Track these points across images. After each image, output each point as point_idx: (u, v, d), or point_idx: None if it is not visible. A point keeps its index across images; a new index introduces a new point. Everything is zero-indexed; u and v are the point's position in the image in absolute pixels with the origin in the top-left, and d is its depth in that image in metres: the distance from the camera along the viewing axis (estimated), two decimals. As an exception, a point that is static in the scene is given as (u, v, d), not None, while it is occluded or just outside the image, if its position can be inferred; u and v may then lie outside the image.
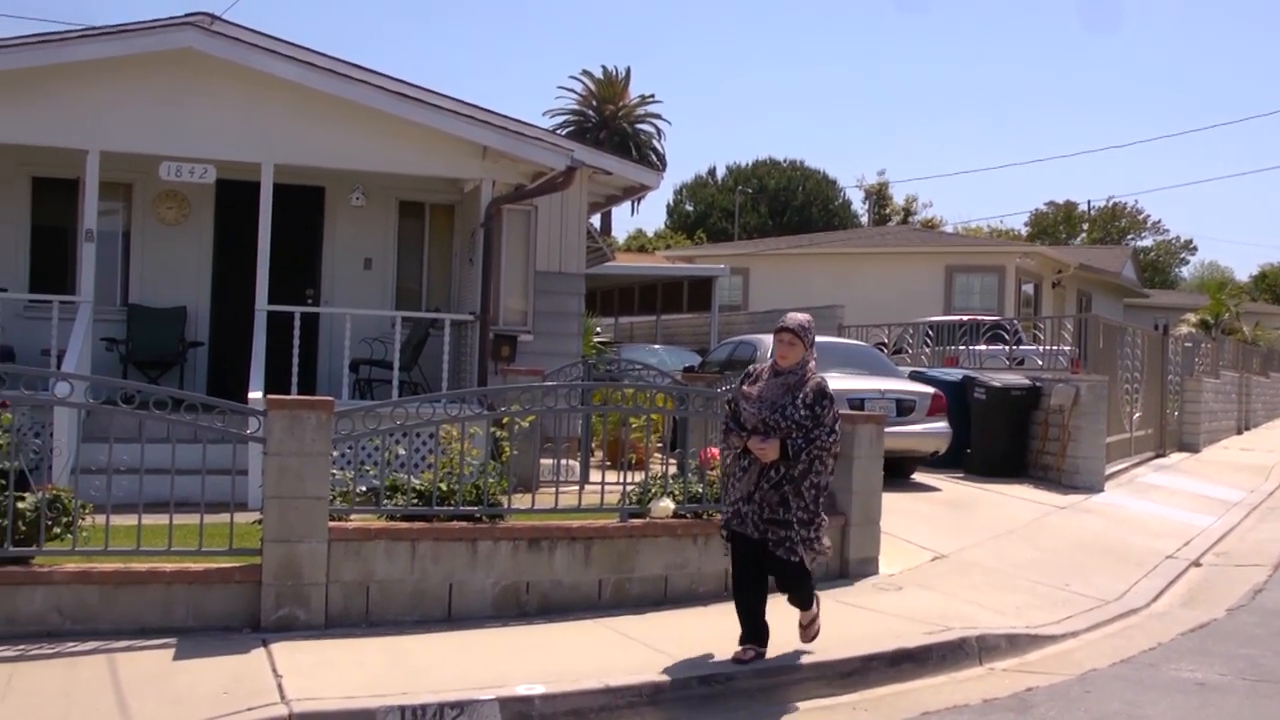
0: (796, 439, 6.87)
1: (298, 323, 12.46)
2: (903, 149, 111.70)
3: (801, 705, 6.98)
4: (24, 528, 7.31)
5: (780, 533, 6.97)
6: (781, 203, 66.89)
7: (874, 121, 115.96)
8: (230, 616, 7.56)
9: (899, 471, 14.73)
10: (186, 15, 14.02)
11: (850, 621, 8.35)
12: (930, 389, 15.44)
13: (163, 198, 14.48)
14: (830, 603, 8.97)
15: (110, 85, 12.18)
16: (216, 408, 8.29)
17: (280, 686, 6.46)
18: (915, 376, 16.95)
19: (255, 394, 11.11)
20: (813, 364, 7.07)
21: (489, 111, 14.63)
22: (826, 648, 7.56)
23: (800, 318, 7.13)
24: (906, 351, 22.94)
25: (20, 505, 7.30)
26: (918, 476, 15.57)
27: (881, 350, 20.29)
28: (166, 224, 14.56)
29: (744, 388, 7.11)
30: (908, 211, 70.16)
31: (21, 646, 7.00)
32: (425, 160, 13.32)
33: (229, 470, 8.19)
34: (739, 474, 7.06)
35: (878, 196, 68.80)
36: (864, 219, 67.23)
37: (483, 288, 13.37)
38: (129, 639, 7.21)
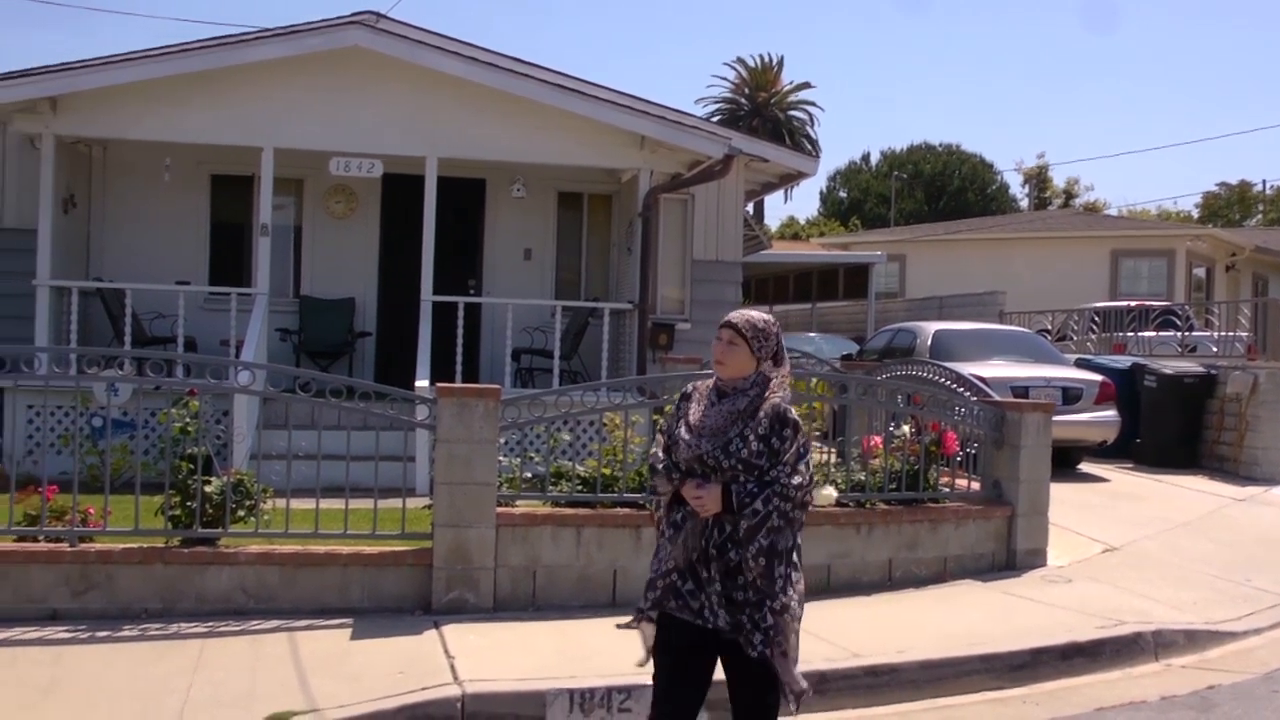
0: (745, 483, 4.41)
1: (461, 313, 12.73)
2: (1063, 131, 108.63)
3: (969, 698, 6.87)
4: (211, 510, 7.64)
5: (736, 618, 4.41)
6: (937, 188, 65.66)
7: (1033, 103, 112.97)
8: (402, 598, 7.78)
9: (1065, 461, 14.35)
10: (353, 14, 14.42)
11: (1018, 613, 8.18)
12: (1098, 376, 15.01)
13: (332, 192, 14.94)
14: (997, 594, 8.83)
15: (282, 84, 12.62)
16: (389, 395, 8.52)
17: (453, 667, 6.63)
18: (1081, 364, 16.50)
19: (422, 382, 11.40)
20: (777, 379, 4.64)
21: (646, 101, 14.71)
22: (994, 640, 7.43)
23: (750, 314, 4.71)
24: (1071, 338, 22.33)
25: (207, 489, 7.63)
26: (1085, 466, 15.16)
27: (1045, 337, 19.79)
28: (335, 218, 15.03)
29: (683, 411, 4.72)
30: (1069, 194, 68.18)
31: (210, 623, 7.33)
32: (584, 151, 13.46)
33: (399, 457, 8.42)
34: (670, 532, 4.60)
35: (1037, 180, 67.00)
36: (1023, 203, 65.57)
37: (641, 277, 13.46)
38: (308, 618, 7.48)
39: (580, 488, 8.39)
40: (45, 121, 12.16)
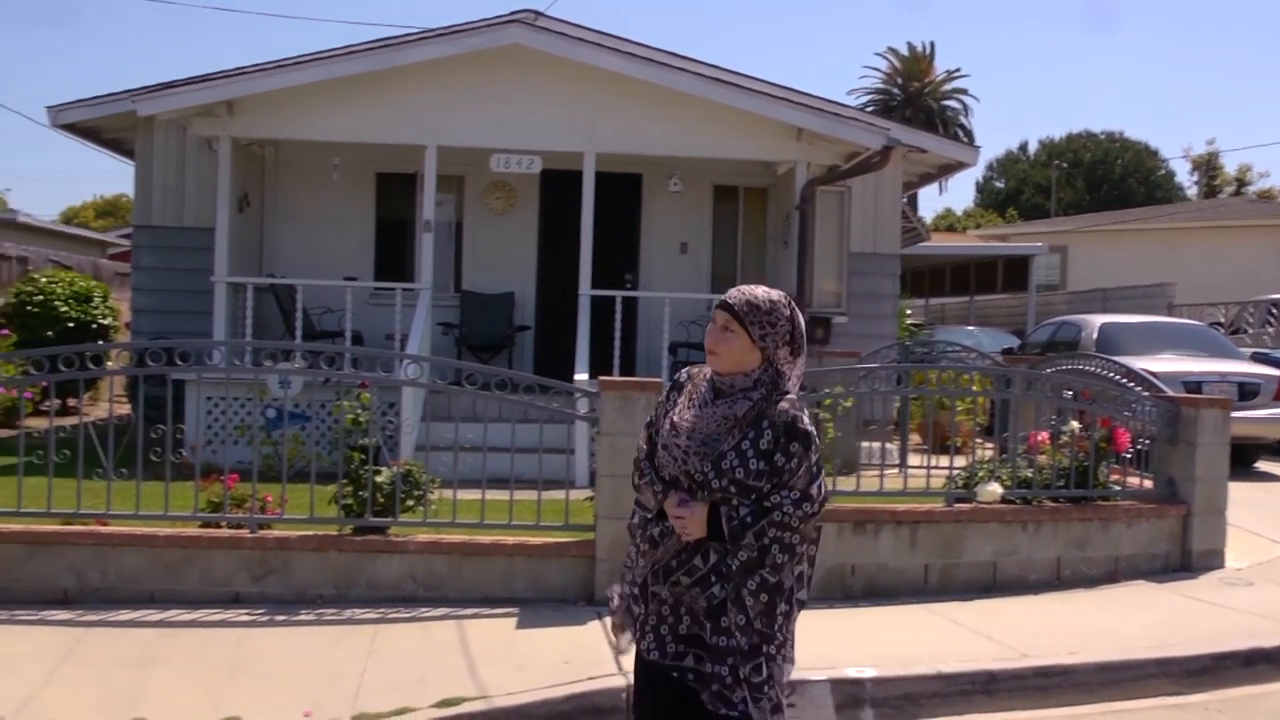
0: (739, 508, 3.60)
1: (619, 307, 12.83)
2: (1234, 116, 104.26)
3: (1145, 702, 6.65)
4: (381, 500, 7.85)
5: (711, 667, 3.66)
6: (1098, 177, 63.76)
7: (1201, 88, 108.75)
8: (565, 589, 7.88)
9: (1241, 459, 13.80)
10: (512, 13, 14.65)
11: (1196, 616, 7.90)
12: (1276, 371, 14.39)
13: (491, 188, 15.19)
14: (1172, 596, 8.53)
15: (444, 83, 12.88)
16: (552, 389, 8.63)
17: (618, 659, 6.68)
18: (1258, 358, 15.83)
19: (581, 375, 11.53)
20: (791, 378, 3.75)
21: (801, 93, 14.61)
22: (1170, 643, 7.18)
23: (753, 291, 3.77)
24: (1246, 332, 21.45)
25: (378, 479, 7.84)
26: (1262, 465, 14.55)
27: (1217, 330, 19.05)
28: (495, 214, 15.29)
29: (670, 406, 3.85)
30: (1241, 182, 65.43)
31: (382, 609, 7.54)
32: (740, 144, 13.43)
33: (559, 449, 8.51)
34: (644, 545, 3.77)
35: (1207, 167, 64.49)
36: (1189, 192, 63.18)
37: (797, 270, 13.38)
38: (474, 606, 7.62)
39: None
40: (222, 124, 12.64)
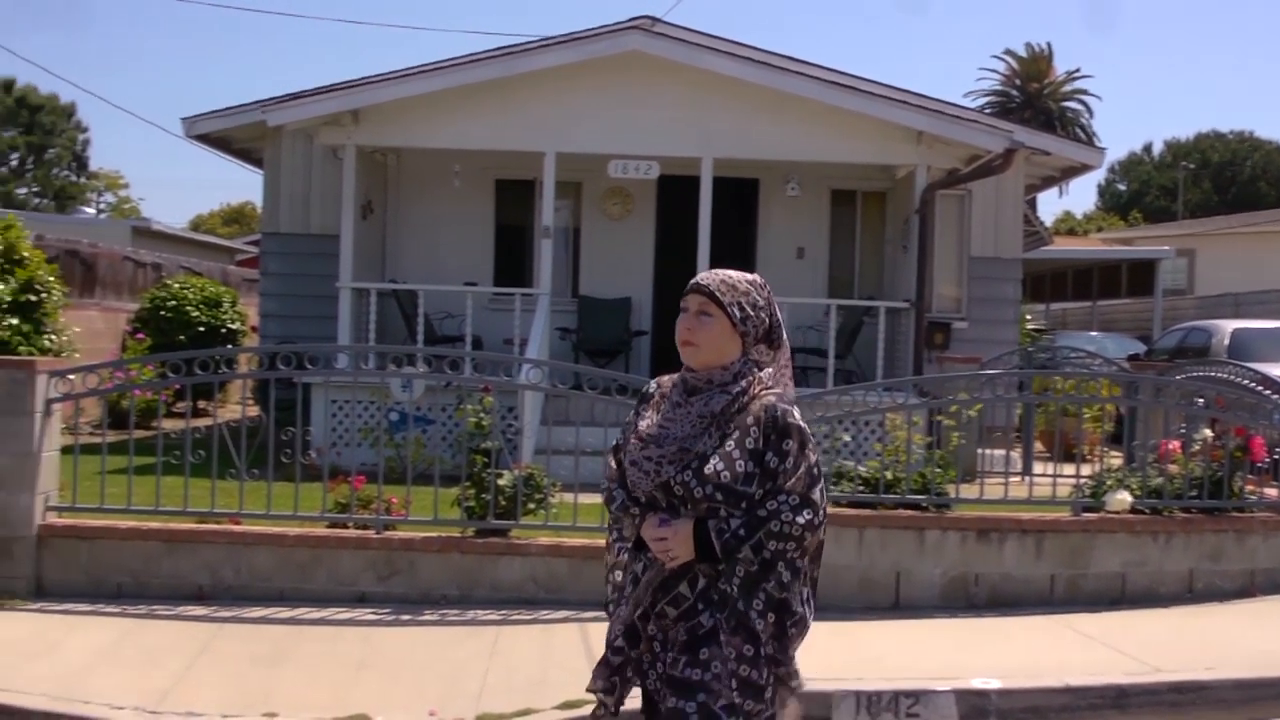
0: (729, 520, 3.15)
1: (735, 312, 12.79)
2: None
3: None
4: (503, 503, 7.95)
5: (677, 702, 3.17)
6: (1227, 178, 61.88)
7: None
8: (685, 594, 7.87)
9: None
10: (630, 20, 14.73)
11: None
12: None
13: (609, 194, 15.29)
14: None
15: (563, 90, 12.99)
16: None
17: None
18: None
19: (699, 380, 11.51)
20: (771, 369, 3.34)
21: (920, 95, 14.44)
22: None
23: (728, 274, 3.40)
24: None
25: (500, 482, 7.94)
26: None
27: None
28: (612, 219, 15.37)
29: (638, 421, 3.38)
30: (1380, 182, 62.93)
31: (504, 611, 7.62)
32: (858, 148, 13.32)
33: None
34: (626, 584, 3.35)
35: (1343, 167, 62.12)
36: (1327, 192, 60.95)
37: (917, 275, 13.22)
38: (595, 610, 7.65)
39: (862, 488, 8.30)
40: (348, 133, 12.91)
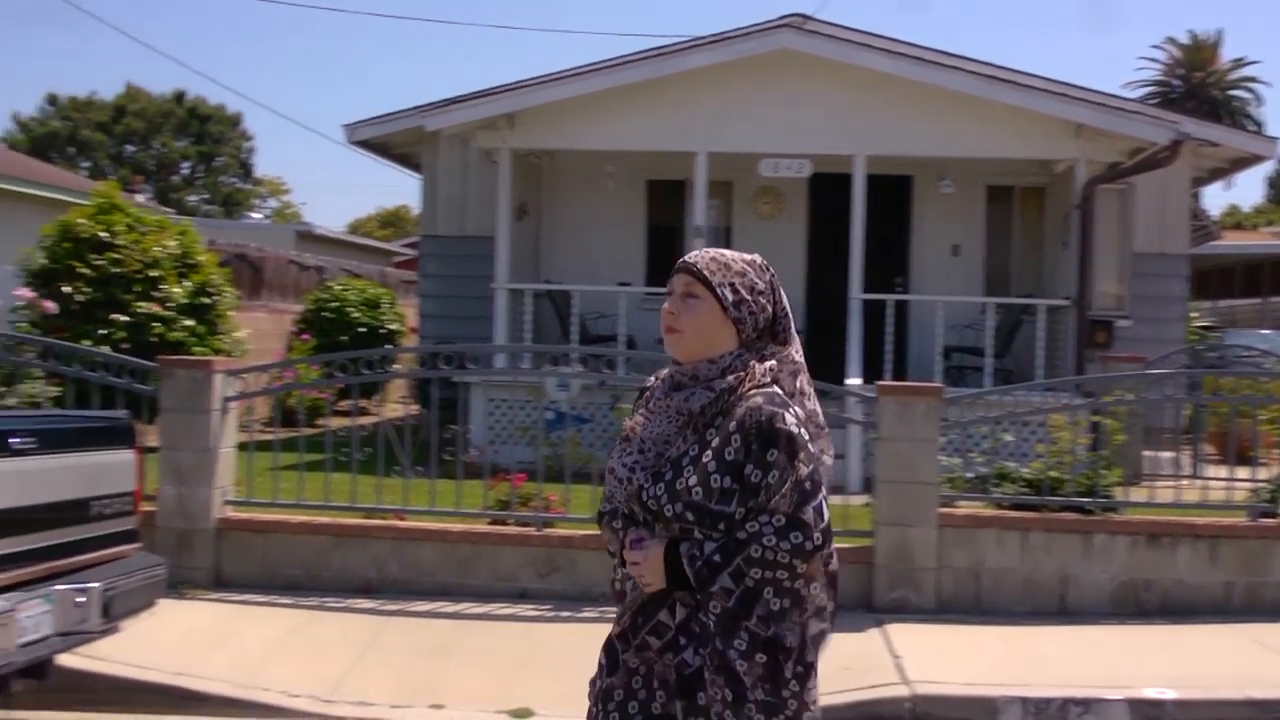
0: (702, 544, 2.69)
1: (890, 310, 12.67)
2: None
3: None
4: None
5: None
6: None
7: None
8: (843, 595, 7.76)
9: None
10: (781, 18, 14.66)
11: None
12: None
13: (759, 193, 15.25)
14: None
15: (713, 90, 12.99)
16: (829, 393, 8.58)
17: (899, 667, 6.59)
18: None
19: (853, 380, 11.42)
20: (766, 365, 2.80)
21: (1079, 87, 14.07)
22: None
23: (721, 252, 2.90)
24: None
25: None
26: None
27: None
28: (763, 218, 15.33)
29: (630, 421, 2.93)
30: None
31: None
32: (1014, 142, 13.04)
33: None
34: (619, 606, 2.93)
35: None
36: None
37: (1078, 272, 12.88)
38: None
39: (1025, 489, 8.13)
40: (503, 136, 13.14)
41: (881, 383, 8.32)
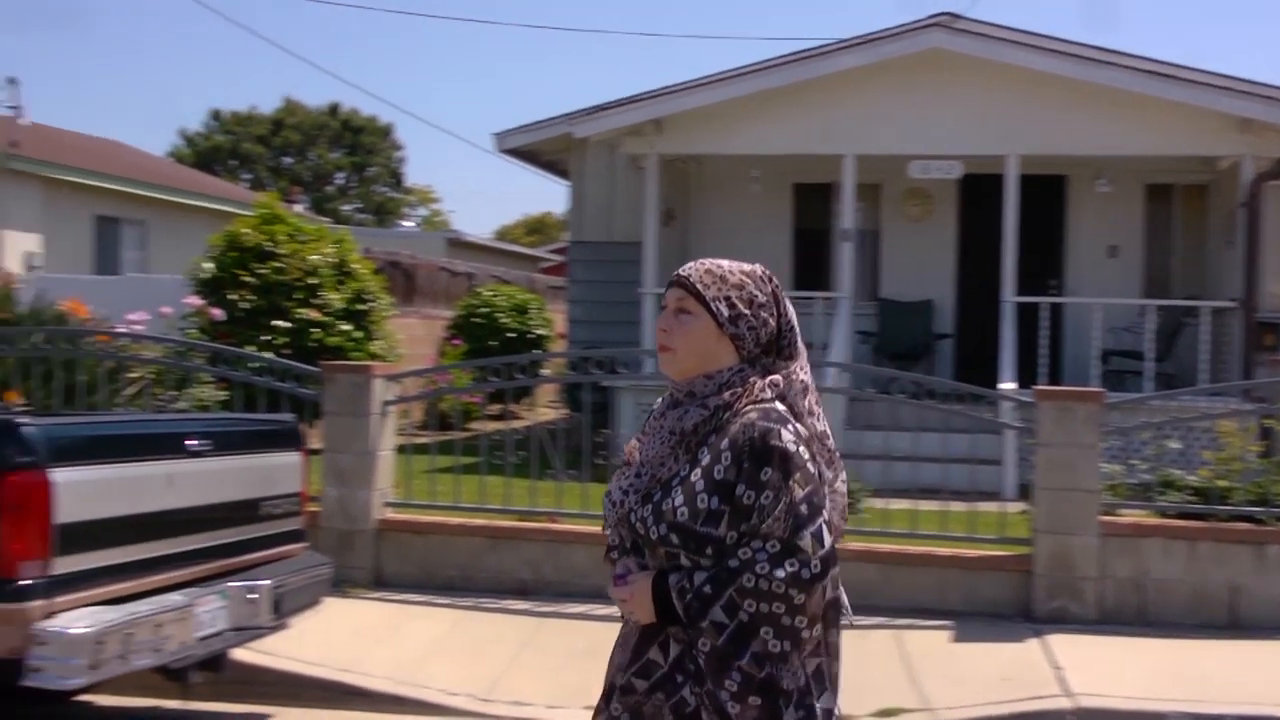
0: (693, 574, 2.51)
1: (1044, 313, 12.40)
2: None
3: None
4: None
5: None
6: None
7: None
8: (1000, 604, 7.67)
9: None
10: (930, 17, 14.47)
11: None
12: None
13: (908, 195, 15.05)
14: None
15: (860, 92, 12.90)
16: (984, 398, 8.45)
17: (1061, 679, 6.44)
18: None
19: (1007, 385, 11.19)
20: (768, 380, 2.60)
21: (1244, 80, 13.56)
22: None
23: (717, 263, 2.68)
24: None
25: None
26: None
27: None
28: (911, 221, 15.13)
29: (630, 443, 2.80)
30: None
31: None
32: (1175, 139, 12.64)
33: (980, 459, 8.30)
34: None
35: None
36: None
37: (1244, 272, 12.41)
38: (906, 617, 7.54)
39: (1193, 498, 7.86)
40: (650, 142, 13.23)
41: (1039, 387, 8.13)
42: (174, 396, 9.23)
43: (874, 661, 6.72)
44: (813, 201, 15.26)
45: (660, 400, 2.69)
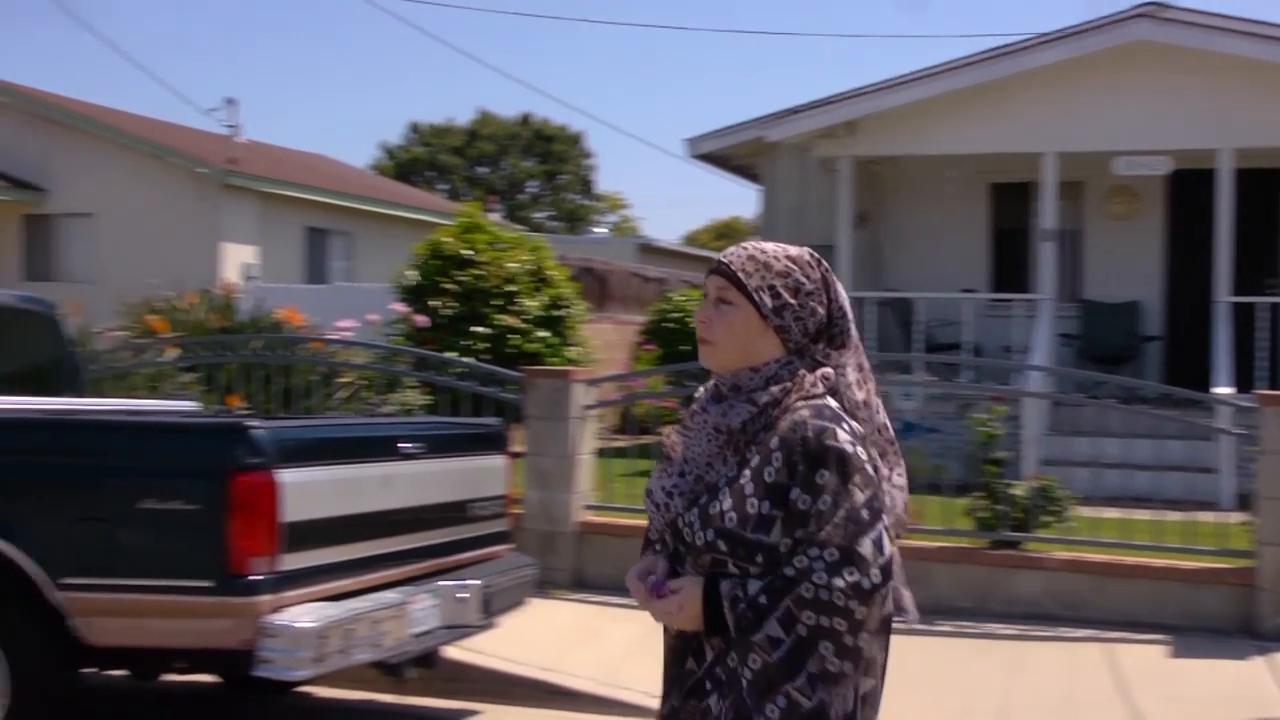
0: (745, 584, 2.30)
1: (1261, 314, 11.82)
2: None
3: None
4: (1017, 514, 7.74)
5: None
6: None
7: None
8: (1220, 619, 7.33)
9: None
10: (1135, 7, 13.92)
11: None
12: None
13: (1112, 193, 14.52)
14: None
15: (1060, 87, 12.52)
16: (1202, 403, 8.10)
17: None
18: None
19: (1222, 389, 10.68)
20: (818, 374, 2.39)
21: None
22: None
23: (761, 246, 2.47)
24: None
25: (1014, 493, 7.75)
26: None
27: None
28: (1115, 219, 14.59)
29: (669, 437, 2.56)
30: None
31: (1020, 626, 7.42)
32: None
33: (1192, 466, 7.94)
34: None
35: None
36: None
37: None
38: (1118, 630, 7.29)
39: None
40: (843, 144, 13.11)
41: (1262, 391, 7.75)
42: (381, 400, 9.58)
43: (1083, 675, 6.53)
44: (1011, 201, 14.87)
45: (702, 390, 2.49)
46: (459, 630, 5.77)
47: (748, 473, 2.30)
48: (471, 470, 6.16)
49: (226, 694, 6.49)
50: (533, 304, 12.59)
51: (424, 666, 5.69)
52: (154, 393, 9.07)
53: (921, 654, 6.97)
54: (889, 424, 2.48)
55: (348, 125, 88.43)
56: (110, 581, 4.86)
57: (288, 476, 4.83)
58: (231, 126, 21.87)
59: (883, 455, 2.41)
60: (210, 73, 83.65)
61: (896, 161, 14.74)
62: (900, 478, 2.48)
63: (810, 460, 2.26)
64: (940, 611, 7.65)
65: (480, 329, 12.08)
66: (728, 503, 2.30)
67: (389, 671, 5.40)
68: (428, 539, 5.72)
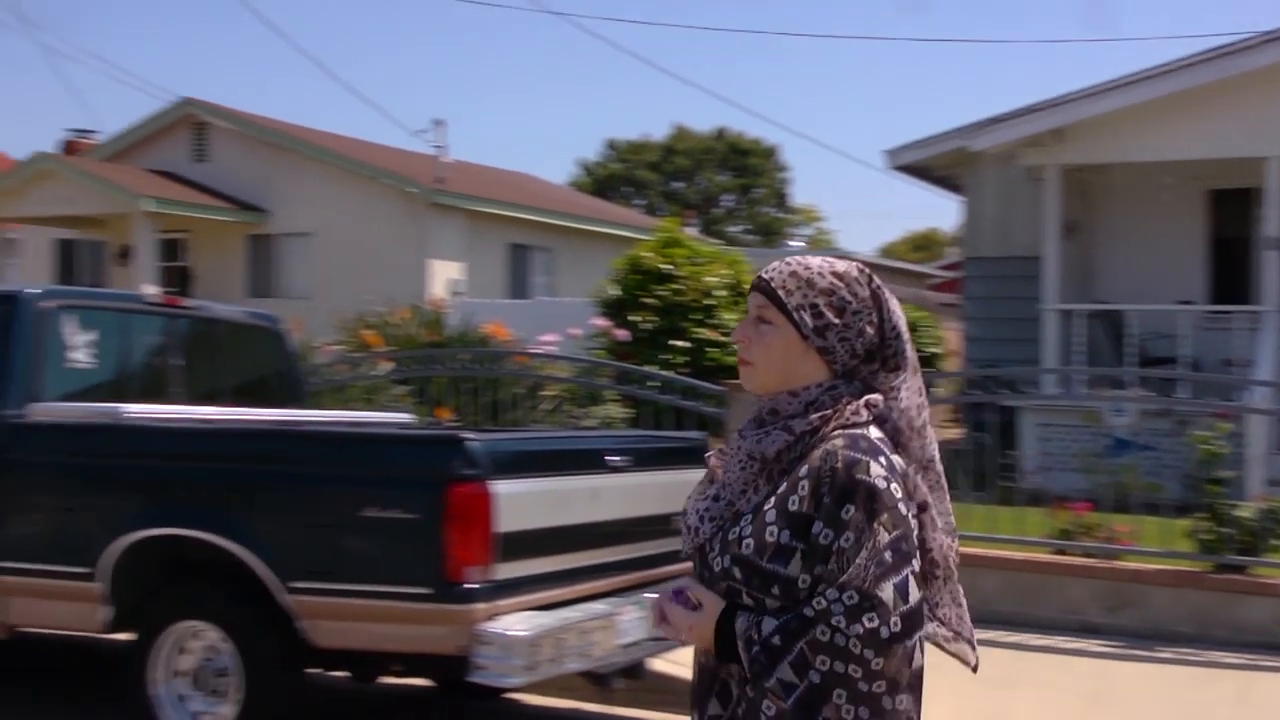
0: (761, 621, 2.12)
1: None
2: None
3: None
4: (1243, 537, 7.38)
5: None
6: None
7: None
8: None
9: None
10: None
11: None
12: None
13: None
14: None
15: (1284, 89, 11.92)
16: None
17: None
18: None
19: None
20: (864, 401, 2.20)
21: None
22: None
23: (805, 261, 2.29)
24: None
25: (1240, 514, 7.39)
26: None
27: None
28: (1352, 224, 13.78)
29: (714, 457, 2.37)
30: None
31: (1249, 655, 7.06)
32: None
33: None
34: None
35: None
36: None
37: None
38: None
39: None
40: (1050, 153, 12.75)
41: None
42: (584, 414, 9.75)
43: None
44: (1231, 208, 14.19)
45: (749, 414, 2.33)
46: (664, 642, 5.80)
47: (773, 500, 2.16)
48: (676, 484, 6.17)
49: (440, 698, 6.69)
50: (731, 318, 12.64)
51: (631, 677, 5.75)
52: (369, 405, 9.44)
53: (1140, 680, 6.73)
54: (937, 456, 2.30)
55: (547, 143, 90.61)
56: (335, 586, 5.07)
57: (501, 488, 4.95)
58: (439, 147, 22.59)
59: (931, 489, 2.26)
60: (417, 94, 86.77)
61: (1107, 169, 14.25)
62: (941, 518, 2.28)
63: (837, 493, 2.11)
64: (1159, 637, 7.36)
65: (680, 343, 12.19)
66: (748, 529, 2.17)
67: (597, 681, 5.49)
68: (634, 551, 5.78)
